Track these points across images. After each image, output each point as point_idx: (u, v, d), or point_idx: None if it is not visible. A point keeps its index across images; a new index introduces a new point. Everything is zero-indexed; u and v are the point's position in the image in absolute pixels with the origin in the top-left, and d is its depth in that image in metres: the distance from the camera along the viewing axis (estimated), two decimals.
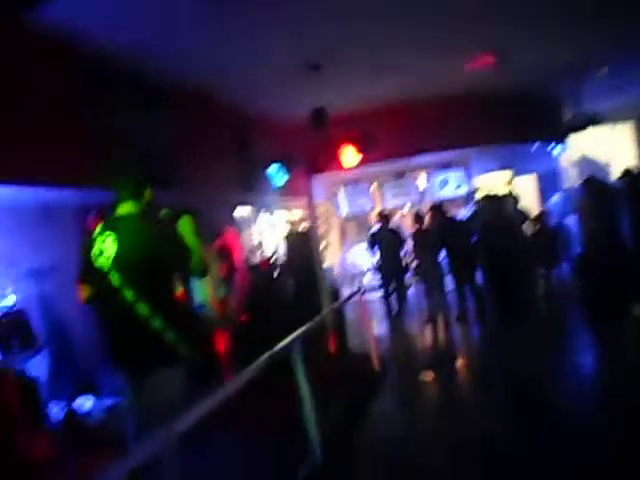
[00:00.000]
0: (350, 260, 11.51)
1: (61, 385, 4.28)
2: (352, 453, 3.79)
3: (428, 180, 11.11)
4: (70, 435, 3.74)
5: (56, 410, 4.09)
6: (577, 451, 3.29)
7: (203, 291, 4.69)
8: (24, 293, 4.36)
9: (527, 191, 10.50)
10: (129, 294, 2.59)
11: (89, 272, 2.75)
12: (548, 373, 4.85)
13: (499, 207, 7.54)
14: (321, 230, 12.09)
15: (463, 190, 10.83)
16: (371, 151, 6.13)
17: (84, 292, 2.83)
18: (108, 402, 4.33)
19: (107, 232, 2.72)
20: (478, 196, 9.54)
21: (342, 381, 4.99)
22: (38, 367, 4.22)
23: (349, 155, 5.95)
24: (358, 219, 12.16)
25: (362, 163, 8.17)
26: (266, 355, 3.04)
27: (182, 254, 2.77)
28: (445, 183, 11.06)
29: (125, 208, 2.81)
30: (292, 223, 9.86)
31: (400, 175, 11.14)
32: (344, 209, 11.69)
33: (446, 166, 10.89)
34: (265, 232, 9.13)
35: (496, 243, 6.94)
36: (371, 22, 5.83)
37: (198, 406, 2.34)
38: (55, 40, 4.76)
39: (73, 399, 4.22)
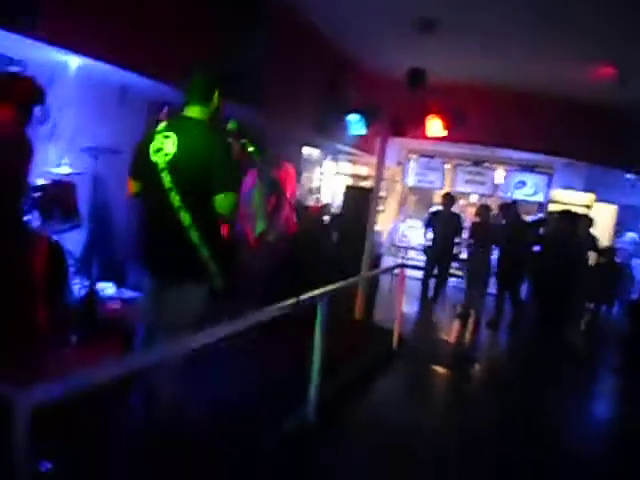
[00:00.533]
0: (401, 231, 11.24)
1: (90, 265, 4.32)
2: (344, 424, 3.70)
3: (506, 177, 10.57)
4: (85, 314, 3.78)
5: (79, 287, 4.16)
6: None
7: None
8: (79, 168, 4.37)
9: (604, 220, 9.87)
10: (185, 216, 2.51)
11: (142, 167, 2.65)
12: (556, 408, 4.64)
13: (572, 226, 7.10)
14: (382, 193, 11.90)
15: (538, 197, 10.27)
16: (458, 129, 5.77)
17: (132, 186, 2.75)
18: (128, 294, 4.38)
19: (170, 132, 2.59)
20: (552, 208, 9.11)
21: (357, 348, 4.90)
22: (73, 242, 4.27)
23: (435, 127, 5.61)
24: (422, 193, 11.82)
25: (445, 139, 7.86)
26: (291, 301, 2.93)
27: (234, 175, 2.65)
28: (522, 185, 10.50)
29: (192, 111, 2.67)
30: (356, 177, 9.63)
31: (479, 163, 10.65)
32: (412, 179, 11.34)
33: (528, 168, 10.31)
34: (327, 178, 8.95)
35: (556, 261, 6.57)
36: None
37: (214, 330, 2.29)
38: None
39: (97, 281, 4.26)
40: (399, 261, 9.17)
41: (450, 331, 7.02)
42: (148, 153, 2.59)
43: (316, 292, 3.28)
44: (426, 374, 5.17)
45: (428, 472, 3.26)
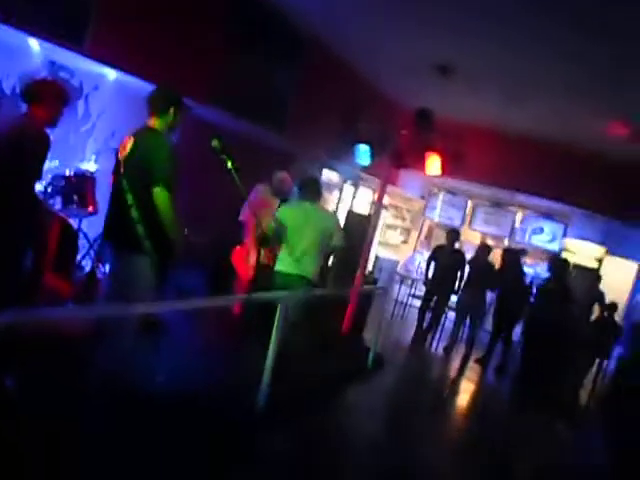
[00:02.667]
0: (417, 262, 11.55)
1: (102, 249, 4.95)
2: (291, 423, 4.01)
3: (523, 221, 10.80)
4: (85, 288, 4.40)
5: (86, 264, 4.81)
6: None
7: None
8: (104, 165, 5.04)
9: (622, 275, 9.93)
10: (129, 196, 3.10)
11: (117, 160, 3.30)
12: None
13: (582, 278, 7.33)
14: (406, 225, 12.30)
15: (554, 245, 10.44)
16: (455, 168, 6.18)
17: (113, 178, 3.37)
18: None
19: (133, 136, 3.23)
20: (563, 257, 9.27)
21: (329, 358, 5.30)
22: (89, 227, 4.92)
23: (433, 164, 6.06)
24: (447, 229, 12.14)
25: (452, 176, 8.24)
26: (245, 296, 3.41)
27: (168, 175, 3.14)
28: (540, 231, 10.70)
29: (151, 121, 3.26)
30: (372, 204, 10.08)
31: (497, 204, 10.93)
32: (436, 214, 11.71)
33: (546, 215, 10.51)
34: (345, 204, 9.45)
35: (550, 313, 6.81)
36: (517, 48, 5.85)
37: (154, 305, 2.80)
38: None
39: (102, 262, 4.89)
40: (410, 291, 9.52)
41: (433, 362, 7.32)
42: (118, 150, 3.28)
43: (278, 294, 3.76)
44: (387, 396, 5.49)
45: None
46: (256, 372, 3.80)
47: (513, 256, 7.40)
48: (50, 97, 3.60)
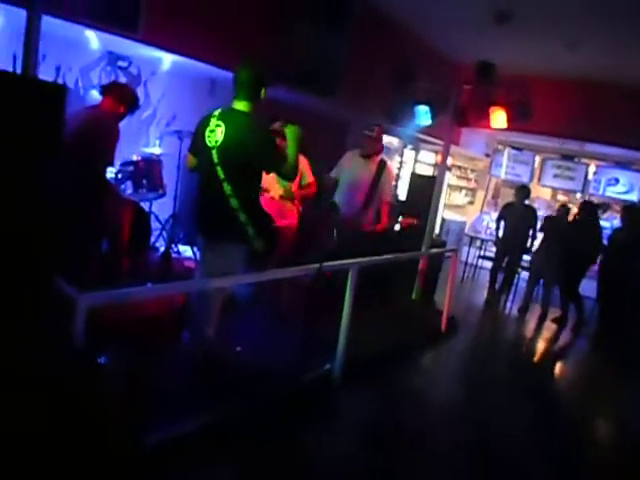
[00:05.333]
0: (486, 223, 11.23)
1: (174, 230, 5.11)
2: (366, 386, 4.06)
3: (596, 173, 10.23)
4: (161, 267, 4.57)
5: (160, 246, 4.99)
6: None
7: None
8: (169, 148, 5.17)
9: None
10: (227, 186, 3.10)
11: (198, 145, 3.27)
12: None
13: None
14: (472, 185, 11.95)
15: (631, 196, 9.84)
16: (523, 121, 5.88)
17: (190, 161, 3.41)
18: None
19: (220, 121, 3.15)
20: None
21: (404, 324, 5.27)
22: (163, 210, 5.09)
23: (499, 118, 5.79)
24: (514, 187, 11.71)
25: (519, 130, 7.87)
26: (315, 265, 3.42)
27: (276, 159, 3.19)
28: (615, 182, 10.12)
29: (240, 105, 3.20)
30: (434, 166, 9.85)
31: (568, 157, 10.40)
32: (502, 172, 11.30)
33: (621, 165, 9.91)
34: (407, 167, 9.27)
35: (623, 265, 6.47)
36: None
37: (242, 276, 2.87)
38: None
39: (177, 244, 5.05)
40: (478, 253, 9.29)
41: (510, 324, 7.14)
42: (203, 135, 3.20)
43: (347, 261, 3.76)
44: (464, 359, 5.43)
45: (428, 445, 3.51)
46: (332, 339, 3.85)
47: (590, 209, 7.03)
48: (122, 95, 3.96)
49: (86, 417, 2.07)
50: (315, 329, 3.97)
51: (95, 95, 4.58)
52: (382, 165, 5.30)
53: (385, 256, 4.24)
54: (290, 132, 3.29)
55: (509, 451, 3.55)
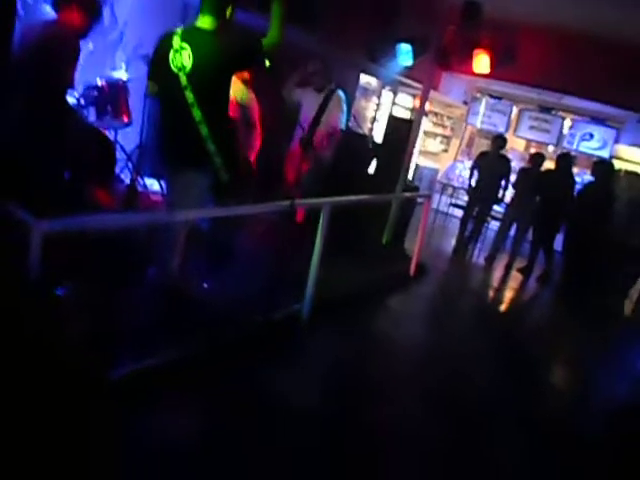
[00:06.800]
0: (458, 171, 11.19)
1: (140, 162, 4.87)
2: (332, 325, 4.04)
3: (572, 127, 10.21)
4: (126, 201, 4.37)
5: (125, 177, 4.76)
6: None
7: None
8: (136, 74, 4.84)
9: None
10: (197, 112, 2.90)
11: (161, 69, 3.03)
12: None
13: (632, 185, 6.99)
14: (447, 133, 11.82)
15: (604, 152, 9.87)
16: (506, 65, 5.73)
17: (152, 87, 3.16)
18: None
19: (185, 42, 2.93)
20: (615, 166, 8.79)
21: (371, 267, 5.25)
22: (125, 140, 4.83)
23: (482, 62, 5.63)
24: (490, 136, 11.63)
25: (499, 78, 7.71)
26: (290, 201, 3.31)
27: (251, 51, 3.02)
28: (590, 137, 10.12)
29: (204, 22, 2.98)
30: (411, 110, 9.66)
31: (545, 110, 10.32)
32: (479, 120, 11.18)
33: (596, 120, 9.89)
34: (384, 109, 9.05)
35: (591, 218, 6.54)
36: None
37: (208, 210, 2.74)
38: None
39: (144, 177, 4.83)
40: (450, 200, 9.28)
41: (476, 271, 7.23)
42: (166, 57, 2.98)
43: (320, 200, 3.66)
44: (431, 303, 5.49)
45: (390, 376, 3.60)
46: (302, 279, 3.80)
47: (567, 161, 7.01)
48: (81, 5, 3.41)
49: (40, 348, 1.97)
50: (284, 268, 3.91)
51: (48, 10, 4.16)
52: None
53: (359, 197, 4.14)
54: (276, 8, 3.04)
55: (470, 395, 3.62)
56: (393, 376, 3.61)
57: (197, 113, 2.92)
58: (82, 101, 4.14)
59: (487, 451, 3.03)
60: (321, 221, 3.64)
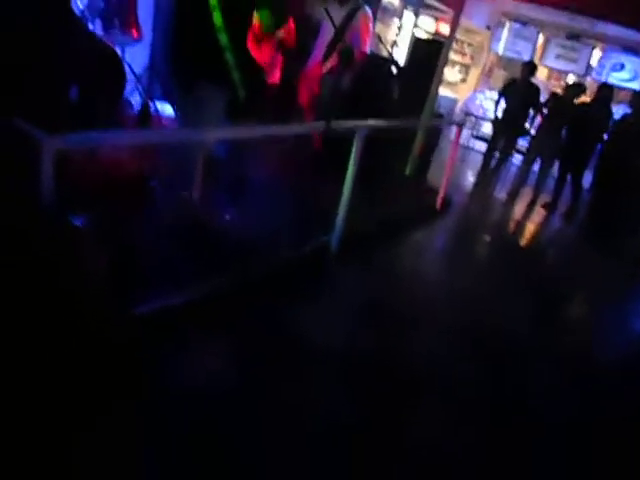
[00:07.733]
0: (479, 102, 10.65)
1: (151, 84, 4.50)
2: (362, 259, 3.84)
3: (602, 57, 9.61)
4: (139, 122, 4.06)
5: (134, 101, 4.39)
6: None
7: None
8: None
9: None
10: (217, 17, 2.58)
11: None
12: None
13: None
14: (466, 61, 11.18)
15: (635, 84, 9.31)
16: None
17: None
18: None
19: None
20: None
21: (398, 201, 4.97)
22: (134, 60, 4.42)
23: None
24: (513, 68, 11.02)
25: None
26: (323, 124, 3.00)
27: None
28: (620, 68, 9.54)
29: None
30: (438, 36, 9.05)
31: (574, 37, 9.68)
32: (502, 47, 10.55)
33: (629, 49, 9.27)
34: (405, 32, 8.46)
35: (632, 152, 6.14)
36: None
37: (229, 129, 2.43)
38: None
39: (152, 100, 4.46)
40: (472, 132, 8.86)
41: (498, 206, 6.93)
42: None
43: (354, 123, 3.32)
44: (458, 238, 5.26)
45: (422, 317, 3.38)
46: (330, 210, 3.54)
47: (608, 92, 6.54)
48: None
49: (59, 283, 1.73)
50: (308, 197, 3.65)
51: None
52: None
53: (392, 121, 3.80)
54: None
55: (498, 327, 3.43)
56: (422, 314, 3.40)
57: (218, 18, 2.57)
58: (86, 13, 3.73)
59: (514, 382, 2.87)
60: (354, 147, 3.33)
